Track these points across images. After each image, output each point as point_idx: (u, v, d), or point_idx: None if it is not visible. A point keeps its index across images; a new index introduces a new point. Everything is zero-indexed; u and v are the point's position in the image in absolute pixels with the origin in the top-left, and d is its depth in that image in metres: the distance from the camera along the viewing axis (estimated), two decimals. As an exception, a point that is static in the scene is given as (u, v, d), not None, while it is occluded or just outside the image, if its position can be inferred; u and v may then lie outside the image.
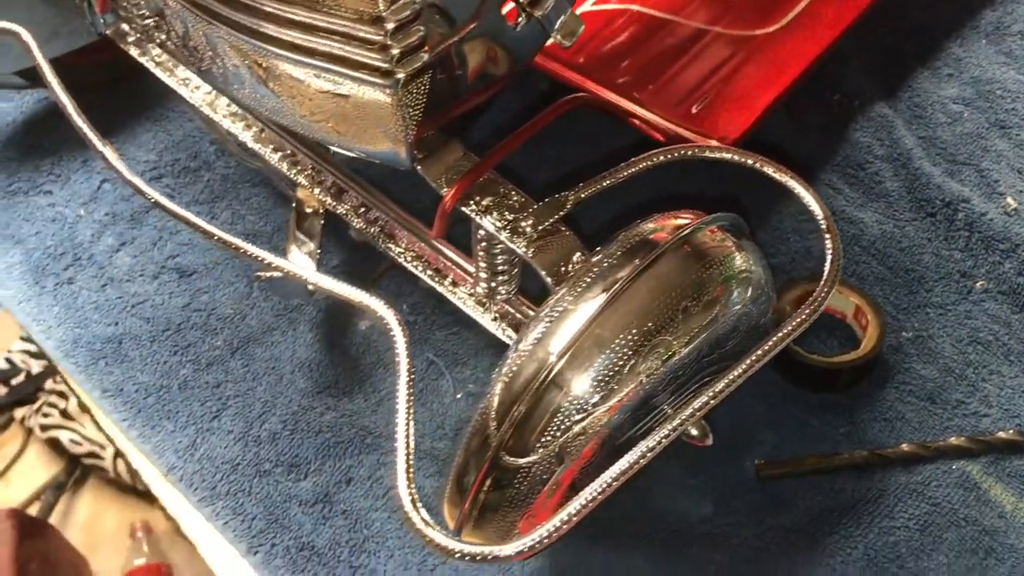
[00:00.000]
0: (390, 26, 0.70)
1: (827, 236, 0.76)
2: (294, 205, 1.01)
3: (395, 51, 0.71)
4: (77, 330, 1.02)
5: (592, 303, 0.70)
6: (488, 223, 0.79)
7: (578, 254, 0.78)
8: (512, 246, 0.78)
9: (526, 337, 0.72)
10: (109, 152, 0.92)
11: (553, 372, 0.69)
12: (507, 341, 0.89)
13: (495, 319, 0.89)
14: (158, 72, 1.09)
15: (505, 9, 0.77)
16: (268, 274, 0.91)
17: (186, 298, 1.04)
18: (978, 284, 1.00)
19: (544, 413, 0.69)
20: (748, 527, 0.86)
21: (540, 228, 0.77)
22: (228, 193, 1.12)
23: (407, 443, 0.68)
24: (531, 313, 0.87)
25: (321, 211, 1.01)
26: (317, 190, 1.00)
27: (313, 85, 0.77)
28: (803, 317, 0.72)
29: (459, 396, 0.95)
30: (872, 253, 1.03)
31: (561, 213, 0.78)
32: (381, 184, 0.98)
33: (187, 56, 0.89)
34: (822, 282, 0.74)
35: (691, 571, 0.83)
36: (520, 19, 0.78)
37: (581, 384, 0.69)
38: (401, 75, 0.73)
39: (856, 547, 0.83)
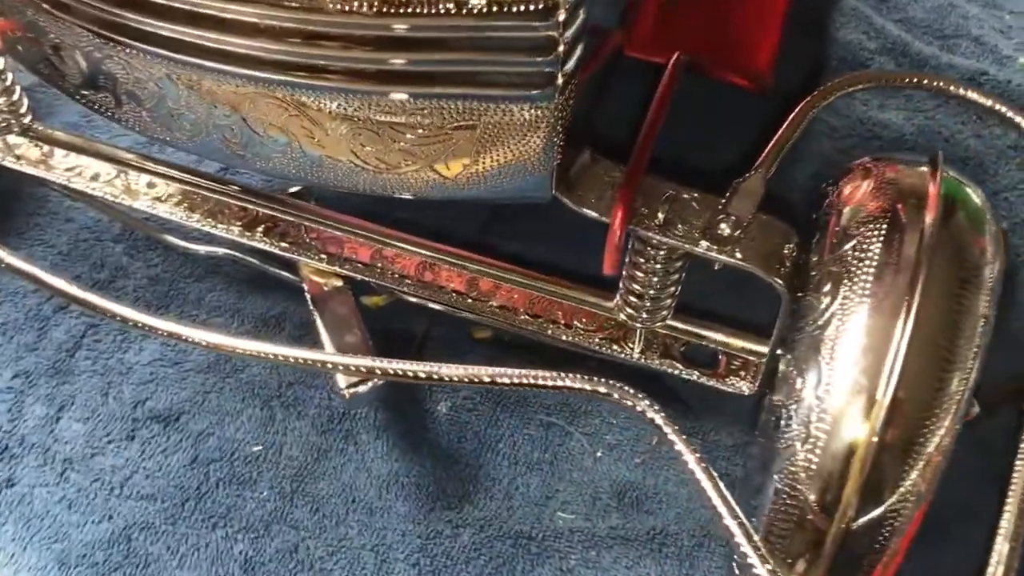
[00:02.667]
0: (562, 16, 0.50)
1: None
2: (306, 290, 0.77)
3: (561, 47, 0.52)
4: (56, 546, 0.73)
5: (903, 302, 0.55)
6: (676, 239, 0.61)
7: (789, 244, 0.63)
8: (721, 257, 0.61)
9: (811, 369, 0.56)
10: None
11: (892, 397, 0.54)
12: (668, 370, 0.72)
13: (641, 351, 0.72)
14: (31, 169, 0.80)
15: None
16: (360, 388, 0.68)
17: (188, 451, 0.78)
18: (1033, 154, 0.95)
19: (894, 448, 0.54)
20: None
21: (745, 224, 0.61)
22: (170, 298, 0.85)
23: (751, 540, 0.51)
24: (691, 331, 0.71)
25: (343, 284, 0.78)
26: (330, 261, 0.76)
27: (424, 122, 0.56)
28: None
29: (599, 455, 0.77)
30: (922, 152, 0.95)
31: (759, 199, 0.62)
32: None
33: (167, 129, 0.62)
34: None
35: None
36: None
37: (926, 396, 0.54)
38: (561, 80, 0.54)
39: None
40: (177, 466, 0.77)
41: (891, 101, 0.99)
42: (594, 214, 0.62)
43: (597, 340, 0.73)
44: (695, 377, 0.71)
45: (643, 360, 0.72)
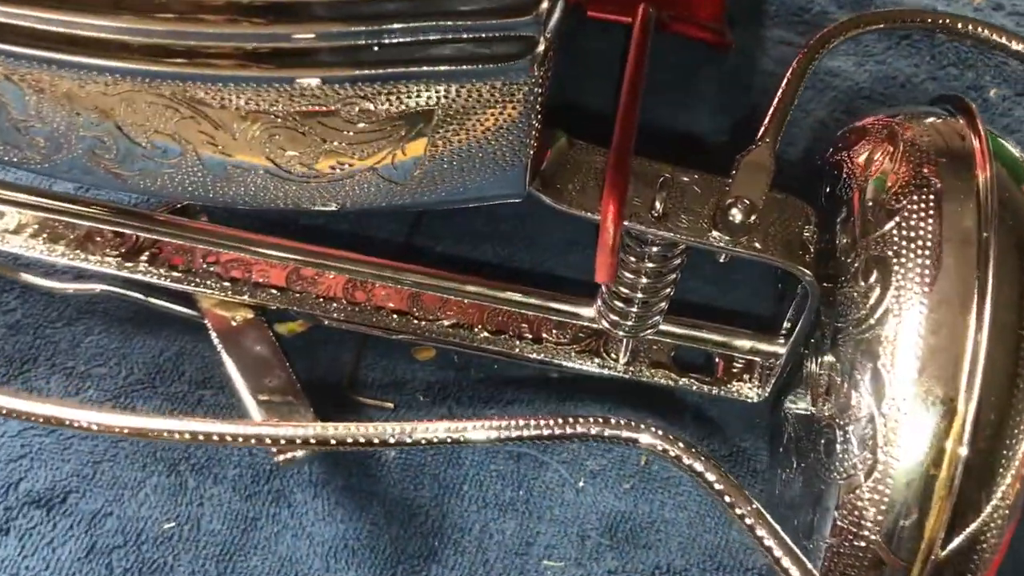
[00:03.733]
0: (550, -45, 0.38)
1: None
2: (209, 327, 0.63)
3: (545, 3, 0.40)
4: None
5: (973, 285, 0.45)
6: (680, 232, 0.50)
7: (809, 226, 0.52)
8: (736, 249, 0.50)
9: (866, 377, 0.46)
10: None
11: (976, 405, 0.44)
12: (661, 381, 0.61)
13: (626, 364, 0.61)
14: None
15: None
16: (296, 452, 0.54)
17: (81, 539, 0.63)
18: (992, 93, 0.88)
19: (979, 465, 0.45)
20: None
21: (760, 207, 0.50)
22: (37, 350, 0.69)
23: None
24: (686, 335, 0.60)
25: (254, 315, 0.64)
26: (235, 290, 0.63)
27: (363, 112, 0.43)
28: None
29: (581, 485, 0.66)
30: (877, 101, 0.87)
31: (771, 175, 0.51)
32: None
33: (12, 148, 0.47)
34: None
35: None
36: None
37: (1009, 396, 0.45)
38: (542, 46, 0.41)
39: None
40: (69, 560, 0.62)
41: (841, 47, 0.90)
42: (578, 211, 0.50)
43: (573, 355, 0.61)
44: (693, 387, 0.61)
45: (630, 373, 0.61)
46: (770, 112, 0.54)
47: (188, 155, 0.45)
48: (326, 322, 0.64)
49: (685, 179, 0.51)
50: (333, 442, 0.45)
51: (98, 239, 0.63)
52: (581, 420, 0.44)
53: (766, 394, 0.60)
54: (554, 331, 0.62)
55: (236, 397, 0.61)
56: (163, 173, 0.46)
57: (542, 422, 0.44)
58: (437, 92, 0.42)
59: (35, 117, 0.44)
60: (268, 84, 0.41)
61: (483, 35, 0.40)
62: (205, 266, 0.63)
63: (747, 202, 0.49)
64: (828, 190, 0.54)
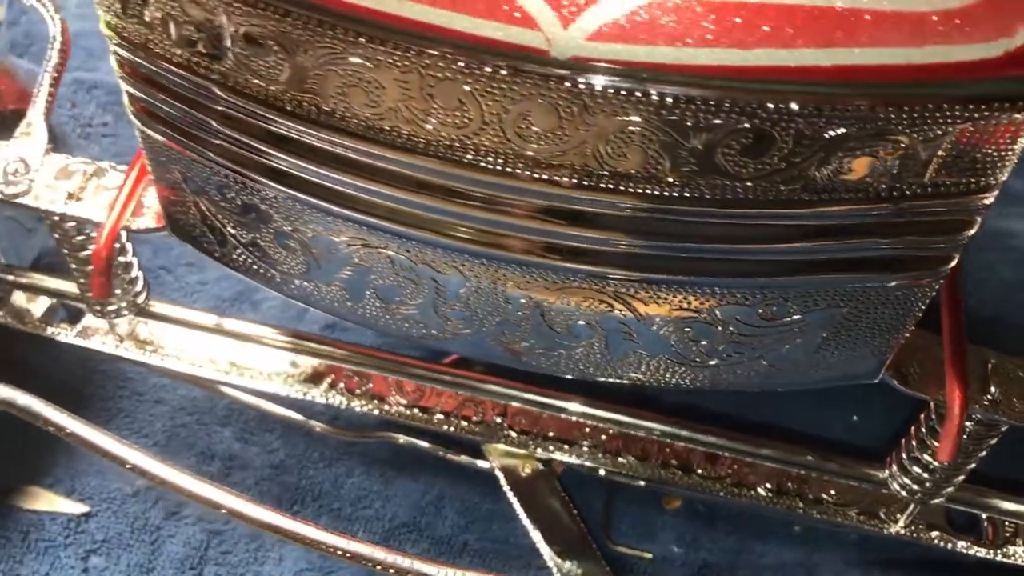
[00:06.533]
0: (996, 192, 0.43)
1: None
2: (501, 480, 0.66)
3: (978, 221, 0.44)
4: None
5: None
6: (1016, 418, 0.54)
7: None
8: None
9: None
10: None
11: None
12: (936, 542, 0.64)
13: (905, 525, 0.64)
14: (137, 355, 0.67)
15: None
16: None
17: None
18: None
19: None
20: None
21: (1083, 394, 0.54)
22: (304, 490, 0.72)
23: None
24: (977, 501, 0.63)
25: (541, 465, 0.67)
26: (526, 442, 0.66)
27: (778, 311, 0.47)
28: None
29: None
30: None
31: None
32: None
33: (419, 325, 0.51)
34: None
35: None
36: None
37: None
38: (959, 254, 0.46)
39: None
40: None
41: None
42: (921, 395, 0.54)
43: (853, 516, 0.64)
44: (972, 551, 0.64)
45: (908, 534, 0.64)
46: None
47: (597, 340, 0.49)
48: (601, 471, 0.67)
49: (1010, 364, 0.55)
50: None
51: (394, 391, 0.67)
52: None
53: (1045, 560, 0.63)
54: (832, 491, 0.65)
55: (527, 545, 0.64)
56: (564, 352, 0.50)
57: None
58: (853, 294, 0.46)
59: (461, 303, 0.48)
60: (723, 289, 0.45)
61: (921, 253, 0.44)
62: (497, 419, 0.66)
63: (1078, 389, 0.54)
64: None
